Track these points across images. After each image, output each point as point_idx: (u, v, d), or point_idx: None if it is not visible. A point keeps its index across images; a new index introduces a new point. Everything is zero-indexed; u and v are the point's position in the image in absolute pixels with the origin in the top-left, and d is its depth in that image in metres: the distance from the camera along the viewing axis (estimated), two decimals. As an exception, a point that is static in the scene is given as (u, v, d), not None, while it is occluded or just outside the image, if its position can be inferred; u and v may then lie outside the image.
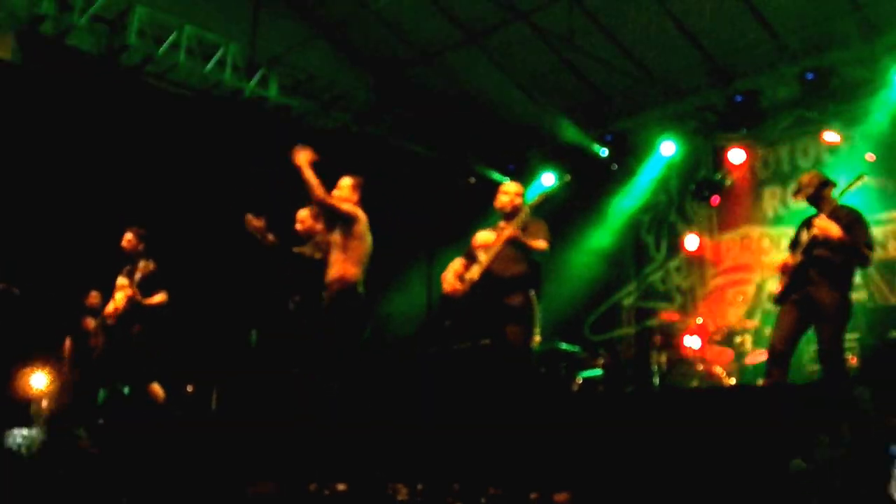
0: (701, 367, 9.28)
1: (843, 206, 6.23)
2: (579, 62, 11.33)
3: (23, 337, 8.96)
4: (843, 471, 4.18)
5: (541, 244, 6.39)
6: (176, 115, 10.61)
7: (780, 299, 6.35)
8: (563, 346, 10.12)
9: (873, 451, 4.17)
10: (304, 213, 7.29)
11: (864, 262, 6.23)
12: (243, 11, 11.07)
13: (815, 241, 6.11)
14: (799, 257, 6.20)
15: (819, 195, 6.32)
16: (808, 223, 6.38)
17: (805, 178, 6.51)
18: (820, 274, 6.10)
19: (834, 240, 6.02)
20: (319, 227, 7.15)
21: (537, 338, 6.47)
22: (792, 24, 10.16)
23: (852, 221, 6.13)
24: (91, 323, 9.41)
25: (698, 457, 4.70)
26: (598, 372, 9.96)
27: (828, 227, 6.03)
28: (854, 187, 6.20)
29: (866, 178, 6.26)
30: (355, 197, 6.78)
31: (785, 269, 6.32)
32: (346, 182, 6.82)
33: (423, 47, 11.97)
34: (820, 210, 6.27)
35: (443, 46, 11.85)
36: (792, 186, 6.61)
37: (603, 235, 12.54)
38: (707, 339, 9.66)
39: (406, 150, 12.68)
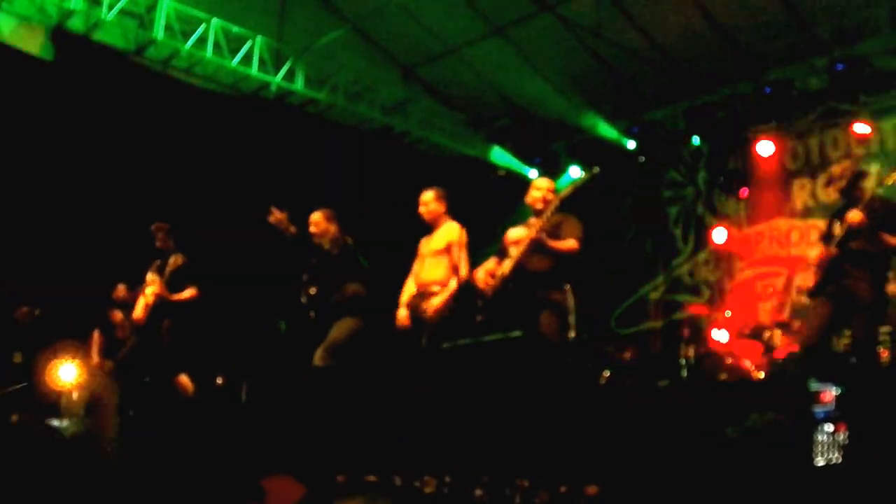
0: (729, 361, 9.20)
1: (877, 197, 6.13)
2: (606, 53, 11.25)
3: (50, 330, 9.04)
4: (772, 437, 4.14)
5: (569, 244, 6.38)
6: (203, 110, 10.66)
7: (814, 292, 6.26)
8: (590, 339, 10.08)
9: (799, 417, 4.13)
10: (317, 216, 7.32)
11: None
12: (270, 4, 11.07)
13: (850, 234, 6.02)
14: (834, 250, 6.11)
15: (853, 186, 6.23)
16: (839, 215, 6.29)
17: (837, 168, 6.41)
18: (855, 266, 6.01)
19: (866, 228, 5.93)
20: (333, 228, 7.22)
21: (572, 332, 6.47)
22: (822, 14, 10.05)
23: (889, 212, 6.04)
24: (118, 316, 9.48)
25: (725, 449, 4.66)
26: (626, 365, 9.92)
27: (855, 218, 5.94)
28: (891, 180, 6.10)
29: None
30: (443, 207, 7.04)
31: (819, 262, 6.24)
32: (429, 196, 7.04)
33: (448, 40, 11.93)
34: (853, 201, 6.18)
35: (469, 39, 11.80)
36: (822, 177, 6.53)
37: (630, 228, 12.47)
38: (735, 333, 9.59)
39: (432, 144, 12.68)
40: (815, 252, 6.33)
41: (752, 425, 4.28)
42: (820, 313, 6.15)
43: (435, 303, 6.73)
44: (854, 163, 6.47)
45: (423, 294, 6.85)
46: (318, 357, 6.98)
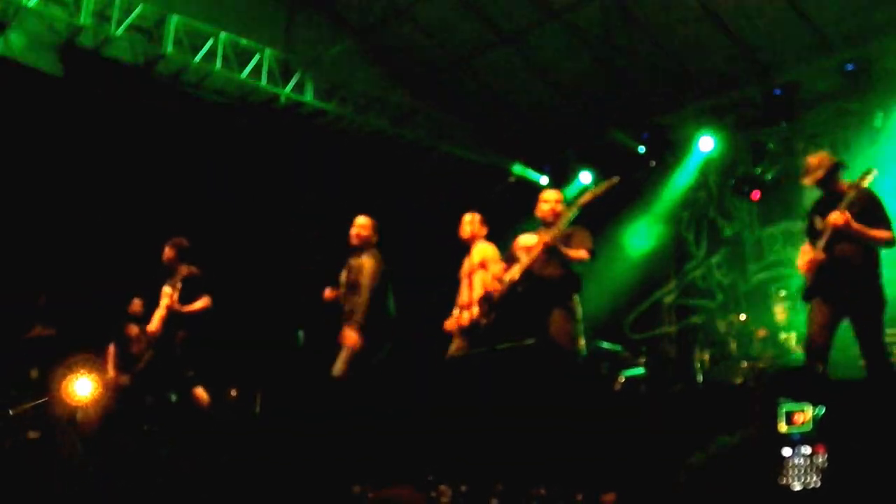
0: (745, 365, 9.15)
1: (857, 190, 6.06)
2: (615, 59, 11.24)
3: (67, 345, 9.07)
4: (736, 461, 4.04)
5: (580, 254, 6.42)
6: (213, 123, 10.69)
7: (808, 296, 6.20)
8: (605, 344, 10.06)
9: (766, 437, 4.03)
10: (366, 221, 7.46)
11: (889, 243, 6.05)
12: (278, 17, 11.12)
13: (835, 236, 5.96)
14: (821, 255, 6.04)
15: (830, 179, 6.18)
16: (819, 209, 6.23)
17: (814, 159, 6.31)
18: (845, 269, 5.96)
19: (852, 230, 5.88)
20: (375, 239, 7.31)
21: (581, 341, 6.48)
22: (830, 15, 9.99)
23: (868, 204, 5.98)
24: (134, 330, 9.51)
25: (744, 453, 4.63)
26: (640, 371, 9.87)
27: (845, 220, 5.89)
28: (866, 182, 6.03)
29: (876, 172, 6.08)
30: (484, 231, 7.30)
31: (808, 267, 6.15)
32: (476, 217, 7.35)
33: (457, 49, 11.94)
34: (832, 194, 6.13)
35: (477, 48, 11.81)
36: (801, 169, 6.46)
37: (642, 233, 12.44)
38: (749, 336, 9.54)
39: (442, 154, 12.68)
40: (804, 259, 6.24)
41: (717, 449, 4.18)
42: (819, 316, 6.08)
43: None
44: (831, 153, 6.40)
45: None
46: (336, 368, 7.03)
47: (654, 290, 12.37)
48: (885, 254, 6.18)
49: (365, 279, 7.21)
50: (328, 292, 7.51)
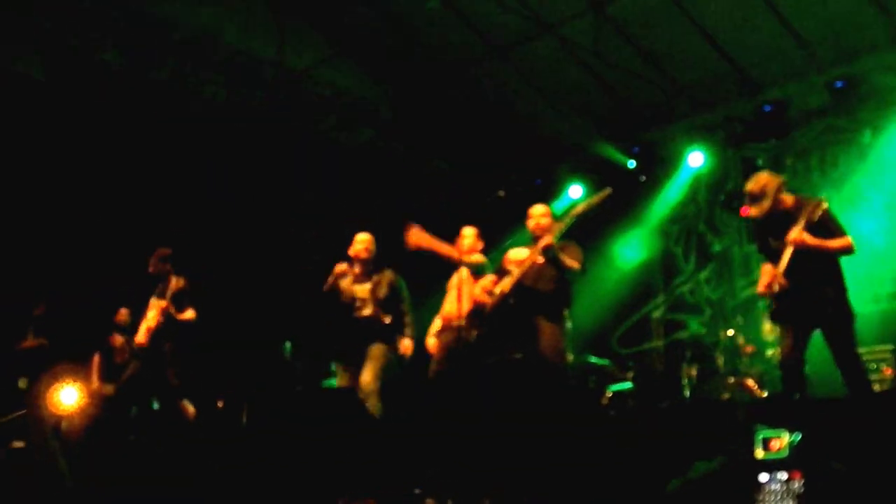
0: (732, 380, 9.16)
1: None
2: (606, 74, 11.27)
3: (51, 354, 9.02)
4: (714, 486, 4.03)
5: (574, 264, 6.43)
6: (204, 131, 10.66)
7: (775, 317, 6.19)
8: (593, 359, 10.07)
9: (741, 463, 4.02)
10: (369, 238, 7.57)
11: (849, 251, 6.04)
12: (273, 25, 11.10)
13: (796, 254, 5.92)
14: (783, 280, 5.96)
15: (778, 201, 6.15)
16: (771, 229, 6.19)
17: (756, 187, 6.18)
18: (809, 288, 5.94)
19: (812, 246, 5.88)
20: (372, 258, 7.55)
21: (569, 355, 6.48)
22: (820, 33, 10.05)
23: (822, 218, 5.95)
24: (119, 340, 9.46)
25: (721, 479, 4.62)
26: (628, 385, 9.88)
27: (802, 239, 5.88)
28: (817, 216, 5.93)
29: (825, 203, 6.02)
30: (480, 245, 7.36)
31: (770, 291, 6.09)
32: (471, 231, 7.39)
33: (448, 61, 11.94)
34: (779, 215, 6.10)
35: (468, 60, 11.82)
36: (747, 195, 6.37)
37: (631, 248, 12.44)
38: (737, 351, 9.54)
39: (432, 165, 12.67)
40: (763, 280, 6.21)
41: (694, 475, 4.18)
42: (788, 334, 6.08)
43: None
44: (774, 176, 6.32)
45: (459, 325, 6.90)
46: (366, 381, 7.07)
47: (642, 304, 12.36)
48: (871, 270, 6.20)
49: (404, 293, 7.65)
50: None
